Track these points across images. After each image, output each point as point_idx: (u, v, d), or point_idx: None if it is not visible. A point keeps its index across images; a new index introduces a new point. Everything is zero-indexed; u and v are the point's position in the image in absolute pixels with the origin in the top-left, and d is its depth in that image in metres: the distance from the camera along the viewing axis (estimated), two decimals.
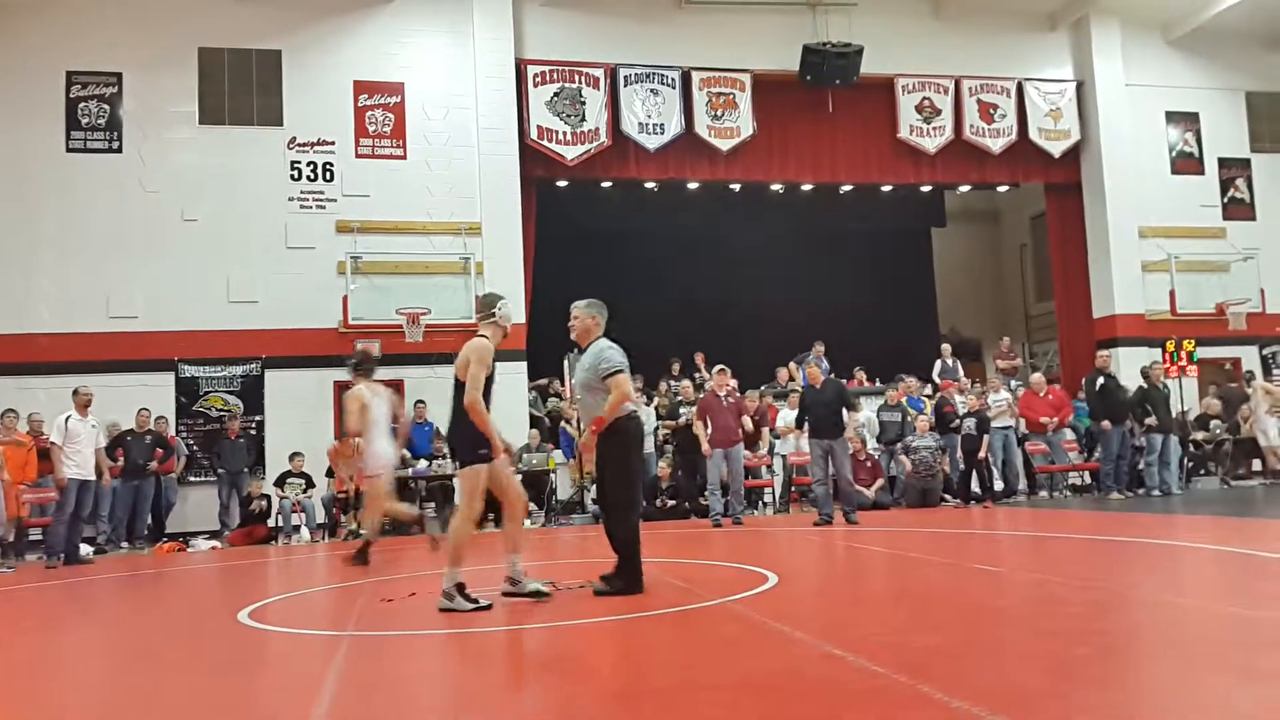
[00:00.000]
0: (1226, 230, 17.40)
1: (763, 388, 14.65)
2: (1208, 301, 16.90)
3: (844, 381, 13.35)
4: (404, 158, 14.50)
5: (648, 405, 13.76)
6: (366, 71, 14.55)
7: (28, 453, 11.26)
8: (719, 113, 15.51)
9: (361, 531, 12.30)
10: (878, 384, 15.42)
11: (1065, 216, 17.49)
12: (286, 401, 13.61)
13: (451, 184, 14.52)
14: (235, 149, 14.01)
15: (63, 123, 13.61)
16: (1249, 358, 17.07)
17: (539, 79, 14.93)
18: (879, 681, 3.29)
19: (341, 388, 13.89)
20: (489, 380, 5.53)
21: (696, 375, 15.16)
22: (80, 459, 10.19)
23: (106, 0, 13.92)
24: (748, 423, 11.85)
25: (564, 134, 14.92)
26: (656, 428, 13.64)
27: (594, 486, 11.84)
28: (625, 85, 15.18)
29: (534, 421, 14.16)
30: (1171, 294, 16.66)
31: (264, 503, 12.58)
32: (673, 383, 14.99)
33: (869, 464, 12.91)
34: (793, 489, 13.68)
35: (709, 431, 11.26)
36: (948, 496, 12.95)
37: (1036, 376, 14.58)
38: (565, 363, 14.50)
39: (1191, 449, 14.63)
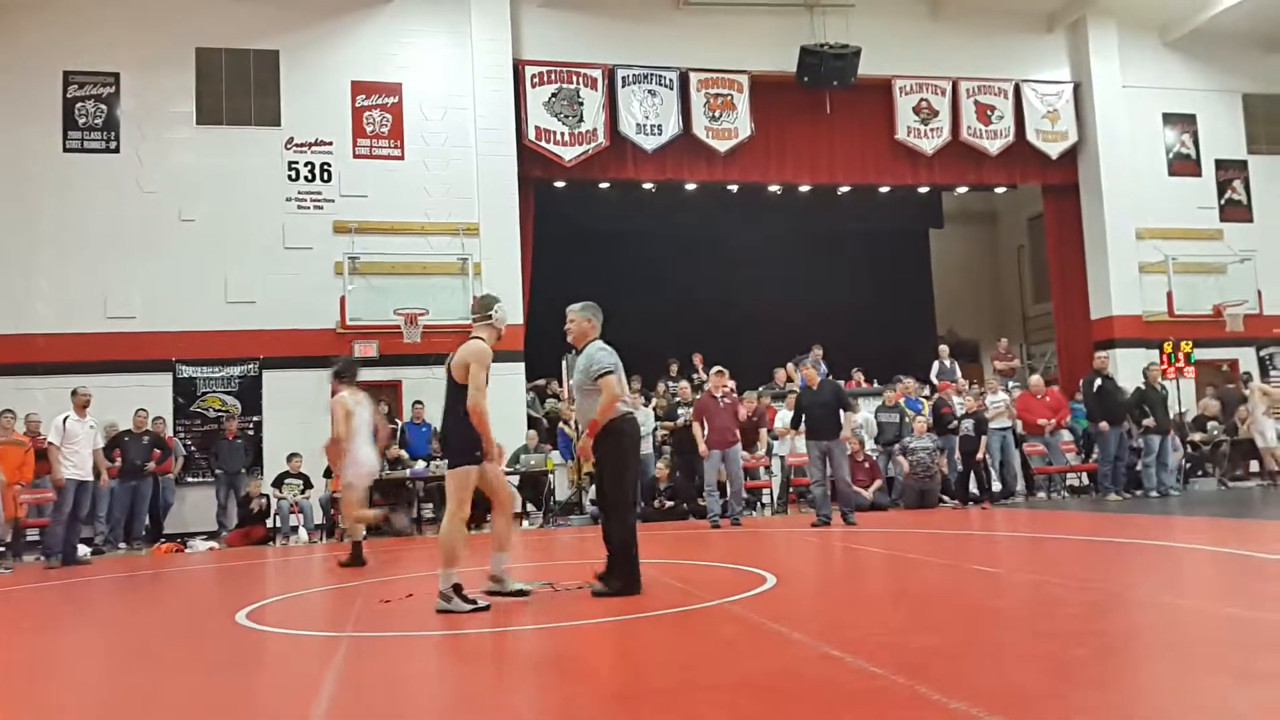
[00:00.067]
0: (1224, 232, 17.43)
1: (761, 389, 14.65)
2: (1205, 303, 16.93)
3: (841, 382, 13.37)
4: (402, 158, 14.49)
5: (646, 406, 13.76)
6: (364, 72, 14.55)
7: (25, 453, 11.24)
8: (717, 114, 15.51)
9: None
10: (875, 385, 15.44)
11: (1062, 218, 17.51)
12: (284, 402, 13.60)
13: (449, 184, 14.52)
14: (233, 149, 14.00)
15: (60, 122, 13.59)
16: (1246, 359, 17.11)
17: (537, 80, 14.93)
18: (877, 682, 3.30)
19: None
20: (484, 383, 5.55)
21: (694, 376, 15.16)
22: (78, 459, 10.18)
23: (104, 0, 13.91)
24: (742, 413, 11.81)
25: (562, 135, 14.92)
26: (655, 428, 13.64)
27: (593, 488, 11.84)
28: (623, 86, 15.19)
29: (532, 422, 14.16)
30: (1169, 295, 16.68)
31: (264, 501, 12.56)
32: (671, 383, 15.00)
33: (867, 465, 12.91)
34: (791, 490, 13.69)
35: (706, 433, 11.26)
36: (946, 498, 12.97)
37: (1035, 379, 14.59)
38: (563, 363, 14.50)
39: (1189, 450, 14.65)
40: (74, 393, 10.38)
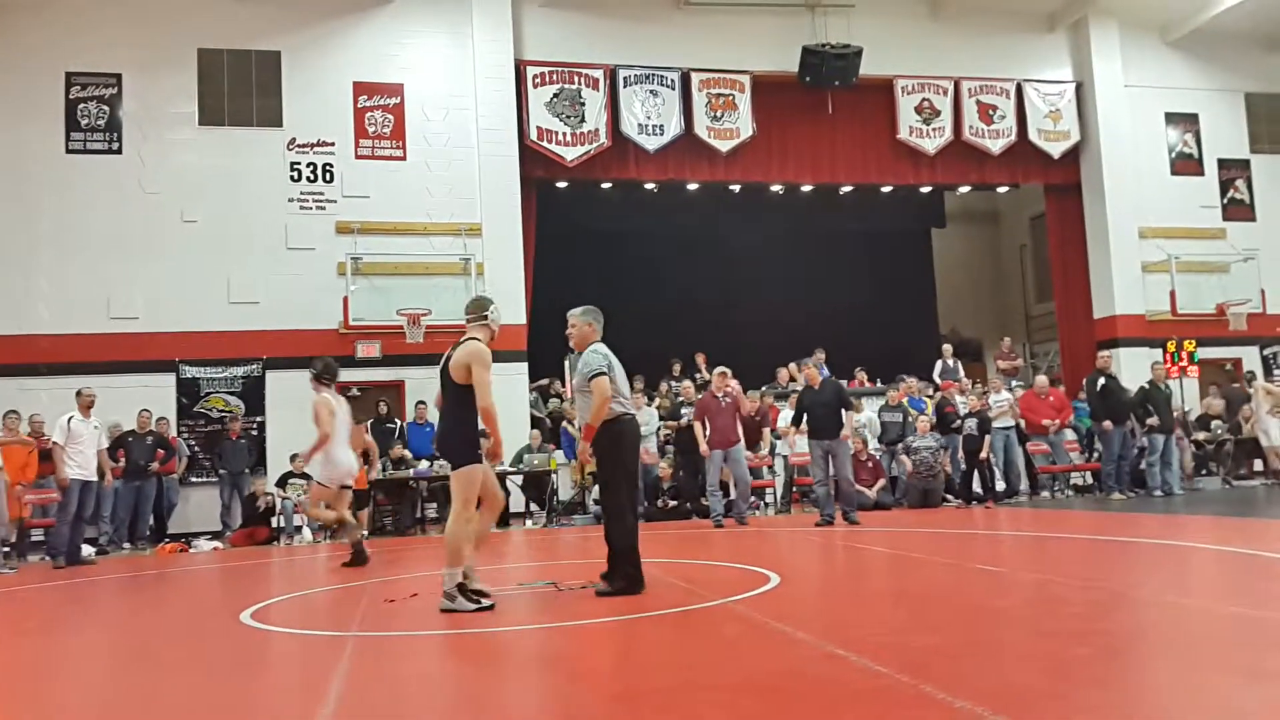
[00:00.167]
0: (1226, 231, 17.41)
1: (764, 388, 14.66)
2: (1208, 302, 16.91)
3: (844, 382, 13.36)
4: (404, 159, 14.50)
5: (649, 405, 13.76)
6: (366, 72, 14.56)
7: (29, 453, 11.26)
8: (718, 114, 15.52)
9: (362, 533, 12.34)
10: (878, 384, 15.43)
11: (1065, 217, 17.50)
12: (287, 402, 13.56)
13: (451, 185, 14.53)
14: (235, 150, 14.02)
15: (62, 124, 13.60)
16: (1250, 358, 17.09)
17: (538, 80, 14.94)
18: (881, 682, 3.30)
19: (341, 389, 13.95)
20: None
21: (697, 376, 15.17)
22: (82, 460, 10.20)
23: (106, 1, 13.92)
24: (746, 407, 11.80)
25: (563, 135, 14.93)
26: (659, 428, 13.64)
27: (596, 488, 11.85)
28: (625, 86, 15.19)
29: (535, 422, 14.17)
30: (1172, 294, 16.67)
31: (269, 499, 12.57)
32: (674, 383, 15.01)
33: (870, 464, 12.91)
34: (794, 489, 13.69)
35: (708, 433, 11.26)
36: (949, 497, 12.96)
37: (1040, 379, 14.56)
38: (566, 363, 14.53)
39: (1193, 449, 14.64)
40: (79, 393, 10.40)
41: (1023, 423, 13.61)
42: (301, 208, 14.12)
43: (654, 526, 11.61)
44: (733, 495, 11.50)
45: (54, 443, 10.19)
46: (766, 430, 13.43)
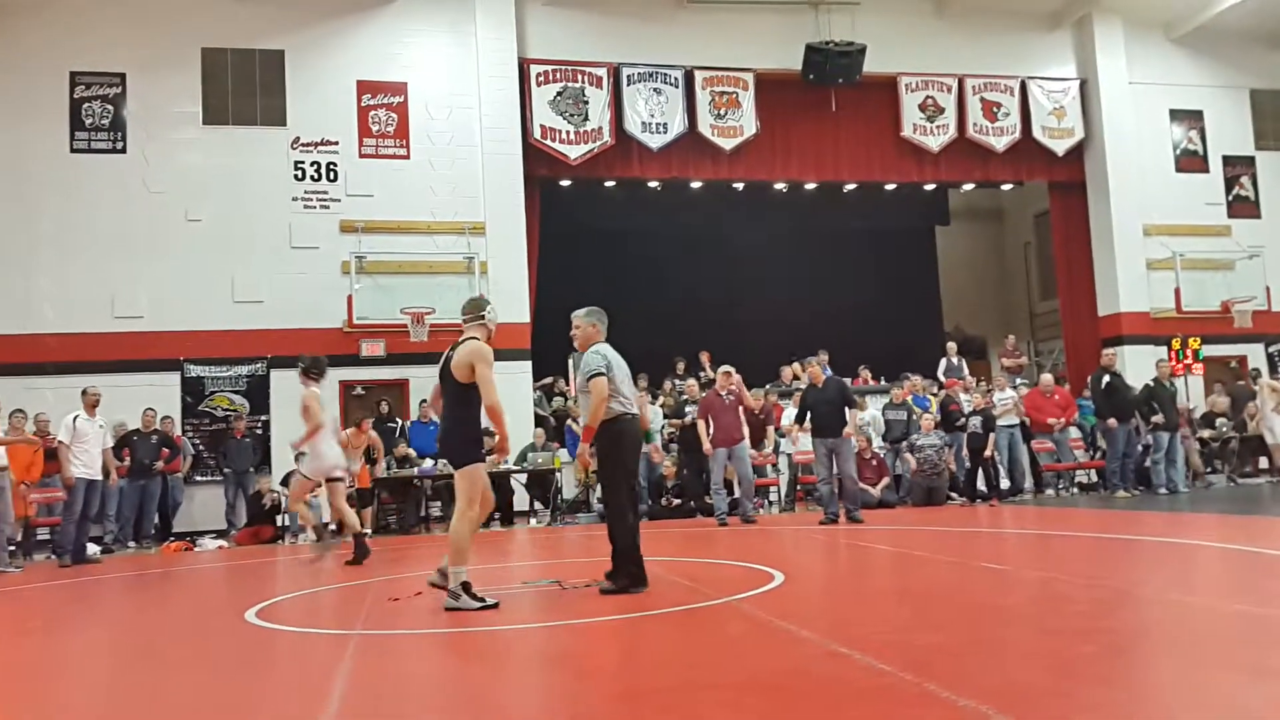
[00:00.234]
0: (1231, 228, 17.36)
1: (768, 386, 14.65)
2: (1213, 299, 16.88)
3: (848, 380, 13.35)
4: (407, 157, 14.51)
5: (653, 404, 13.76)
6: (369, 71, 14.57)
7: (34, 453, 11.28)
8: (722, 112, 15.51)
9: (366, 531, 12.35)
10: (883, 382, 15.41)
11: (1069, 214, 17.47)
12: (292, 401, 13.39)
13: (455, 184, 14.54)
14: (239, 149, 14.04)
15: (66, 123, 13.63)
16: (1255, 355, 17.04)
17: (542, 78, 14.94)
18: (885, 680, 3.30)
19: (347, 387, 14.02)
20: None
21: (701, 374, 15.16)
22: (88, 458, 10.23)
23: (110, 1, 13.95)
24: (747, 399, 11.77)
25: (567, 133, 14.93)
26: (662, 426, 13.65)
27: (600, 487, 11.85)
28: (628, 84, 15.19)
29: (539, 420, 14.19)
30: (1176, 292, 16.63)
31: (274, 497, 12.59)
32: (677, 381, 15.01)
33: (874, 462, 12.90)
34: (798, 488, 13.68)
35: (711, 431, 11.26)
36: (953, 495, 12.95)
37: (1046, 377, 14.51)
38: (569, 362, 14.53)
39: (1199, 448, 14.60)
40: (84, 392, 10.44)
41: (1027, 420, 13.59)
42: (305, 207, 14.14)
43: (658, 525, 11.62)
44: (737, 493, 11.50)
45: (59, 441, 10.22)
46: (770, 428, 13.41)
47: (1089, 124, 16.91)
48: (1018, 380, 15.48)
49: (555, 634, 4.82)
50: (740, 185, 16.75)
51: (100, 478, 10.47)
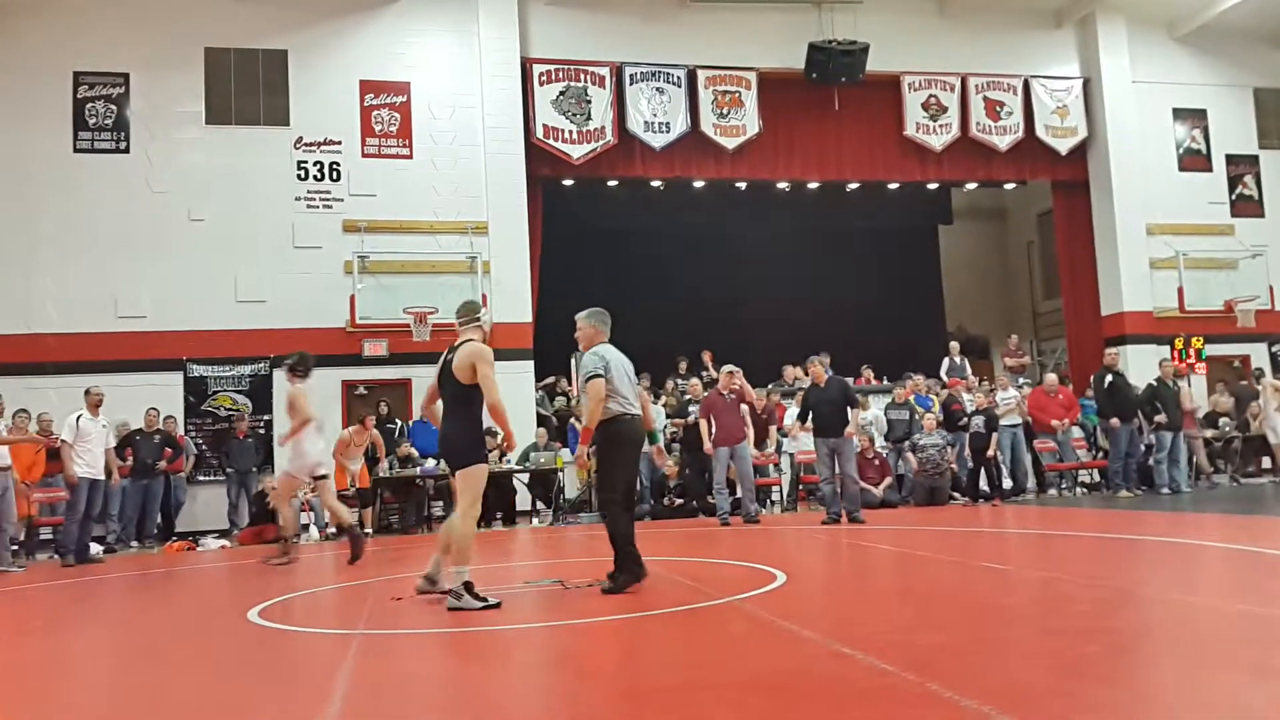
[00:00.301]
0: (1235, 227, 17.33)
1: (770, 386, 14.64)
2: (1216, 299, 16.85)
3: (850, 380, 13.34)
4: (410, 157, 14.52)
5: (655, 403, 13.75)
6: (372, 71, 14.58)
7: (36, 452, 11.30)
8: (725, 111, 15.50)
9: (366, 531, 12.38)
10: (885, 382, 15.41)
11: (1072, 213, 17.45)
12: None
13: (458, 183, 14.54)
14: (242, 149, 14.05)
15: (70, 123, 13.66)
16: (1258, 355, 16.97)
17: (544, 78, 14.94)
18: (888, 680, 3.30)
19: (349, 387, 14.03)
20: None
21: (704, 374, 15.16)
22: (91, 458, 10.24)
23: (112, 0, 13.96)
24: (748, 391, 11.76)
25: (570, 133, 14.93)
26: (665, 426, 13.64)
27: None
28: (631, 84, 15.19)
29: (541, 420, 14.19)
30: (1180, 291, 16.61)
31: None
32: (680, 381, 15.01)
33: (877, 462, 12.88)
34: (800, 487, 13.67)
35: (714, 430, 11.26)
36: (956, 495, 12.94)
37: (1050, 377, 14.47)
38: (572, 361, 14.54)
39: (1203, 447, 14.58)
40: (87, 392, 10.44)
41: (1030, 420, 13.57)
42: (308, 206, 14.15)
43: (660, 525, 11.62)
44: (739, 493, 11.48)
45: (62, 440, 10.23)
46: (773, 428, 13.41)
47: (1092, 123, 16.88)
48: (1020, 380, 15.47)
49: (557, 634, 4.82)
50: (743, 184, 16.74)
51: (103, 477, 10.48)
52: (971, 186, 18.65)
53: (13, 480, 10.13)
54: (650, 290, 17.29)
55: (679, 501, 12.86)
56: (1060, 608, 4.71)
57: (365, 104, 14.48)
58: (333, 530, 11.65)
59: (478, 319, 5.89)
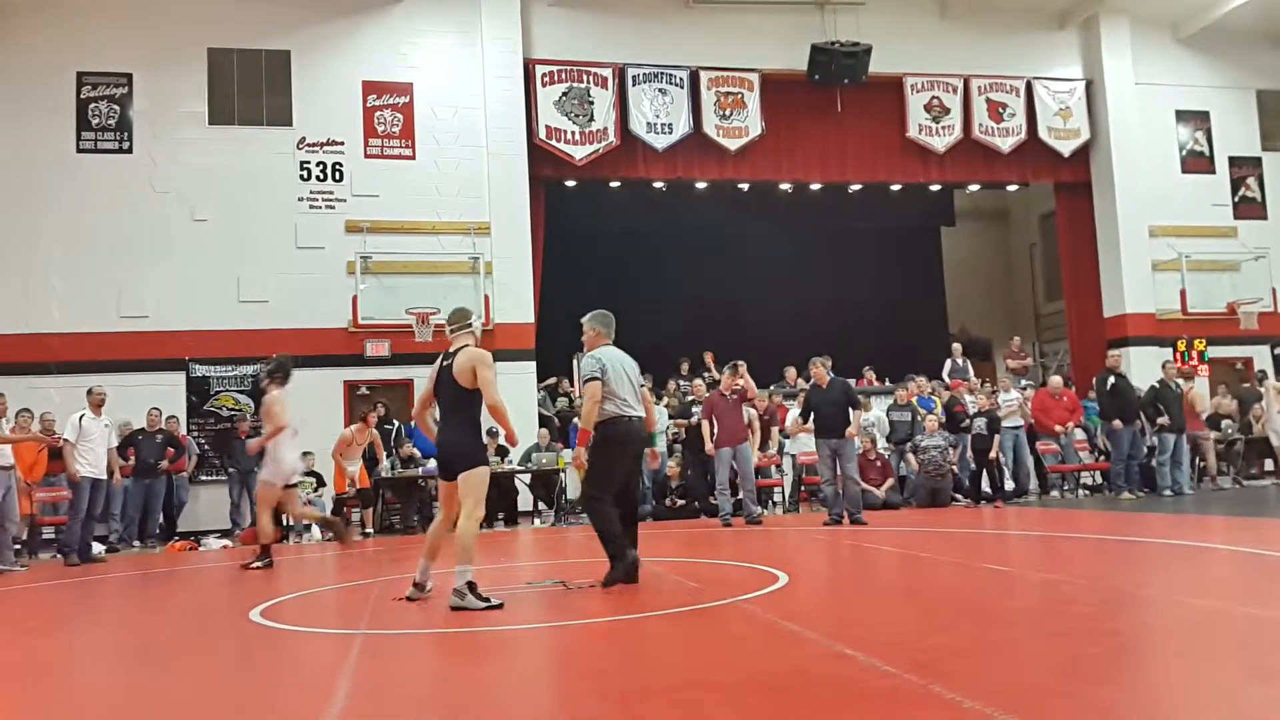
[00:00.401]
0: (1238, 229, 17.31)
1: (772, 387, 14.64)
2: (1219, 301, 16.83)
3: (852, 381, 13.33)
4: (413, 158, 14.52)
5: (658, 404, 13.75)
6: (375, 72, 14.59)
7: (38, 452, 11.31)
8: (727, 112, 15.50)
9: (368, 530, 12.42)
10: (887, 383, 15.40)
11: (1075, 215, 17.43)
12: (296, 401, 13.58)
13: (460, 184, 14.55)
14: (245, 149, 14.06)
15: (73, 123, 13.66)
16: (1261, 357, 16.92)
17: (547, 79, 14.95)
18: (890, 681, 3.29)
19: (351, 387, 14.04)
20: None
21: (706, 375, 15.16)
22: (93, 457, 10.26)
23: (116, 1, 13.98)
24: (751, 388, 11.75)
25: (572, 134, 14.93)
26: (667, 427, 13.64)
27: None
28: (633, 85, 15.19)
29: (543, 421, 14.19)
30: (1182, 293, 16.60)
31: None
32: (682, 382, 15.01)
33: (879, 464, 12.88)
34: (802, 489, 13.67)
35: (715, 431, 11.25)
36: (958, 496, 12.93)
37: (1054, 379, 14.45)
38: (574, 362, 14.54)
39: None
40: (89, 391, 10.47)
41: (1032, 421, 13.56)
42: (311, 207, 14.16)
43: (662, 525, 11.61)
44: (740, 494, 11.47)
45: (65, 440, 10.24)
46: (775, 429, 13.40)
47: (1095, 125, 16.87)
48: (1022, 381, 15.46)
49: (559, 634, 4.82)
50: (745, 186, 16.74)
51: (105, 477, 10.49)
52: (974, 188, 18.64)
53: (15, 479, 10.14)
54: (652, 291, 17.30)
55: (681, 502, 12.86)
56: (1062, 609, 4.70)
57: (368, 105, 14.49)
58: (329, 535, 11.65)
59: (469, 325, 5.93)
